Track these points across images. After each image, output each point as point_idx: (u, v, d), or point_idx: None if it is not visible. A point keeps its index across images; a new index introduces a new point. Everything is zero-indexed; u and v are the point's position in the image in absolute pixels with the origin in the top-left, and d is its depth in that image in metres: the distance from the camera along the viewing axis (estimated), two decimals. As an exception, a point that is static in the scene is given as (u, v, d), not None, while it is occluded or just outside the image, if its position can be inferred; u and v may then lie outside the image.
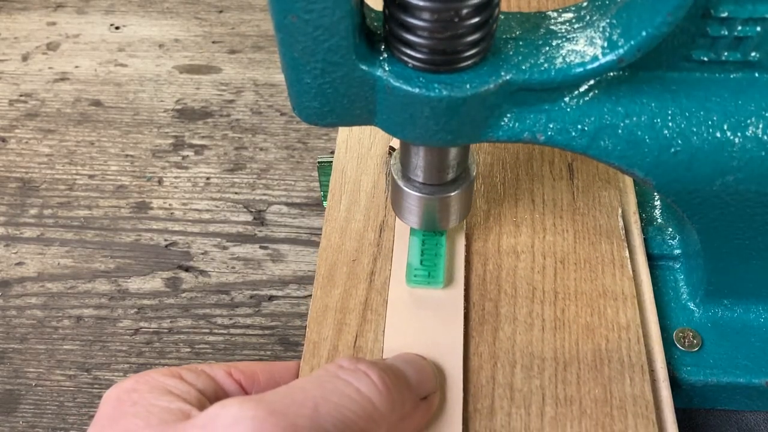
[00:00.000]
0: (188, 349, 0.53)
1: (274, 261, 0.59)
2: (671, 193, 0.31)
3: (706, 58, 0.29)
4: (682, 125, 0.29)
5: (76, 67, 0.76)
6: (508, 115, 0.29)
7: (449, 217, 0.35)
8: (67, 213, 0.63)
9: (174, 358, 0.53)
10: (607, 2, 0.28)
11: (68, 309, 0.56)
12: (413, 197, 0.34)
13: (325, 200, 0.43)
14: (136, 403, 0.26)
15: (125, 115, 0.71)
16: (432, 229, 0.36)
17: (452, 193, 0.33)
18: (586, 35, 0.28)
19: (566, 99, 0.29)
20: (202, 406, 0.26)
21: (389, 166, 0.41)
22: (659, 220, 0.41)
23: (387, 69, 0.27)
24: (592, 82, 0.28)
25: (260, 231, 0.61)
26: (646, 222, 0.41)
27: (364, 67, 0.26)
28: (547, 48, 0.28)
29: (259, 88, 0.73)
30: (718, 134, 0.29)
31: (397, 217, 0.38)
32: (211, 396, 0.28)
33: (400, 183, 0.34)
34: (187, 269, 0.58)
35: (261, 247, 0.60)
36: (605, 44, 0.27)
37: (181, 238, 0.60)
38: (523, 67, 0.27)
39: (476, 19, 0.25)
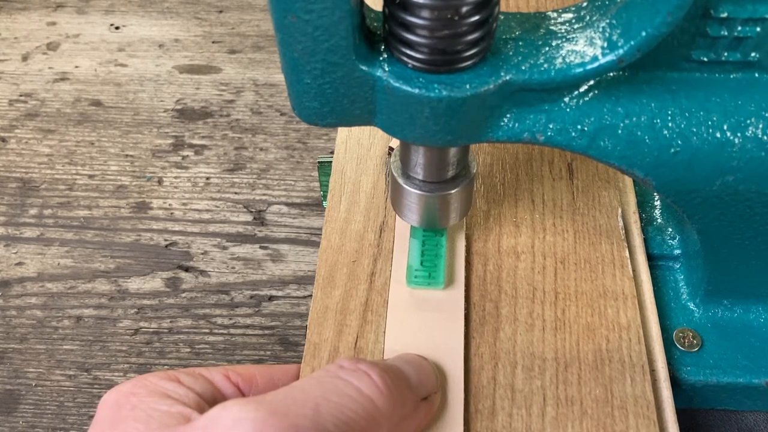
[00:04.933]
0: (188, 350, 0.53)
1: (274, 261, 0.59)
2: (671, 193, 0.31)
3: (706, 58, 0.29)
4: (682, 125, 0.29)
5: (76, 67, 0.76)
6: (508, 116, 0.29)
7: (449, 214, 0.35)
8: (67, 213, 0.63)
9: (174, 358, 0.53)
10: (607, 2, 0.28)
11: (68, 309, 0.56)
12: (413, 195, 0.34)
13: (325, 200, 0.43)
14: (135, 407, 0.26)
15: (125, 115, 0.71)
16: (432, 227, 0.36)
17: (452, 191, 0.33)
18: (585, 35, 0.28)
19: (566, 99, 0.29)
20: (200, 410, 0.26)
21: (389, 166, 0.41)
22: (659, 220, 0.41)
23: (387, 69, 0.27)
24: (591, 82, 0.28)
25: (260, 231, 0.61)
26: (646, 222, 0.41)
27: (364, 68, 0.26)
28: (547, 48, 0.28)
29: (259, 88, 0.73)
30: (718, 134, 0.29)
31: (397, 218, 0.38)
32: (209, 399, 0.28)
33: (400, 181, 0.34)
34: (187, 269, 0.58)
35: (261, 247, 0.60)
36: (605, 44, 0.27)
37: (181, 238, 0.60)
38: (523, 68, 0.27)
39: (476, 18, 0.25)
